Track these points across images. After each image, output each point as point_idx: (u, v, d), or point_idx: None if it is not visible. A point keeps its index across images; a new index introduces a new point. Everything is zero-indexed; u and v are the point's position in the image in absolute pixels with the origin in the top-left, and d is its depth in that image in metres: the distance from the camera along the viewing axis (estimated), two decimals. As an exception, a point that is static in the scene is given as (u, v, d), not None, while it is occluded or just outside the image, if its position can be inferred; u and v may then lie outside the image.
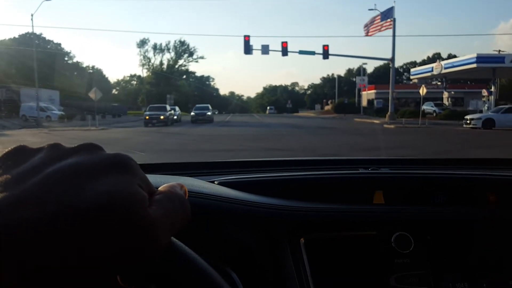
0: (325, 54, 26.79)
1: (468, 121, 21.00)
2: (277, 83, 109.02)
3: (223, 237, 0.69)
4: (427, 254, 0.79)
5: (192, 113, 31.09)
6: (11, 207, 0.22)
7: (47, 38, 60.95)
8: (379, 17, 28.46)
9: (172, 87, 66.41)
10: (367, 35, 29.84)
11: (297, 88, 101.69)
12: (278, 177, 0.97)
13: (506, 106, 22.71)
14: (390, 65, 28.73)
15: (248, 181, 0.92)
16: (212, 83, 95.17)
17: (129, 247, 0.24)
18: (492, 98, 29.60)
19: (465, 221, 0.83)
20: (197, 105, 33.22)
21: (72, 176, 0.25)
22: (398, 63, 77.89)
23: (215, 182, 0.88)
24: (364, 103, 47.48)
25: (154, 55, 71.89)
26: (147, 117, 25.34)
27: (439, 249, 0.80)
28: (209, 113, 30.53)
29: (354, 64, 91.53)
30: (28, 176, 0.25)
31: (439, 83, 43.13)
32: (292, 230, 0.76)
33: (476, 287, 0.77)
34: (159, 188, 0.30)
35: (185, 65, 74.31)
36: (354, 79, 63.05)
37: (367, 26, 29.74)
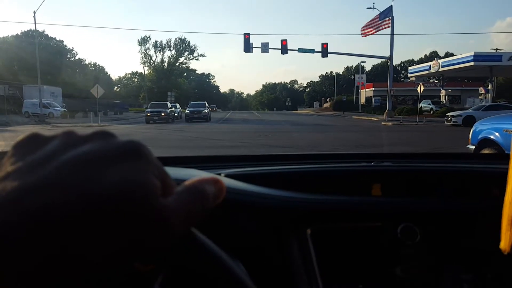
0: (324, 52, 27.10)
1: (449, 118, 21.20)
2: (277, 81, 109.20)
3: (230, 228, 0.69)
4: (432, 245, 0.79)
5: (187, 111, 28.67)
6: (28, 195, 0.22)
7: (49, 35, 61.07)
8: (378, 17, 28.65)
9: (173, 84, 66.53)
10: (366, 35, 29.97)
11: (296, 86, 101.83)
12: (284, 170, 0.98)
13: (487, 104, 22.89)
14: (388, 63, 29.00)
15: (254, 173, 0.92)
16: (212, 81, 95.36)
17: (142, 237, 0.24)
18: (489, 96, 29.85)
19: (471, 213, 0.83)
20: (192, 102, 31.39)
21: (86, 164, 0.25)
22: (396, 61, 78.18)
23: (222, 175, 0.87)
24: (362, 100, 47.74)
25: (155, 53, 71.97)
26: (148, 114, 25.59)
27: (445, 240, 0.80)
28: (205, 111, 28.41)
29: (353, 62, 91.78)
30: (43, 163, 0.25)
31: (436, 81, 43.41)
32: (299, 221, 0.76)
33: (481, 278, 0.77)
34: (185, 182, 0.30)
35: (185, 63, 74.44)
36: (352, 77, 63.26)
37: (366, 27, 29.90)
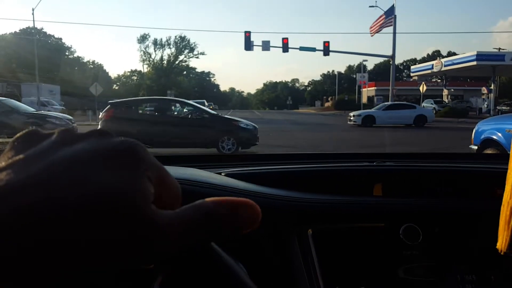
0: (326, 50, 26.78)
1: (351, 118, 20.54)
2: (278, 80, 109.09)
3: None
4: (435, 246, 0.78)
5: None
6: (15, 192, 0.22)
7: (48, 33, 60.95)
8: (383, 16, 28.37)
9: (172, 82, 66.35)
10: (373, 34, 29.64)
11: (297, 85, 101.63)
12: (284, 169, 0.96)
13: (388, 103, 22.19)
14: (391, 62, 28.69)
15: (254, 173, 0.91)
16: (212, 79, 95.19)
17: (129, 240, 0.23)
18: (491, 95, 29.65)
19: (473, 213, 0.82)
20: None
21: (76, 164, 0.24)
22: (398, 60, 77.88)
23: (222, 174, 0.87)
24: (364, 100, 47.41)
25: (155, 51, 71.62)
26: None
27: (447, 241, 0.79)
28: None
29: (355, 61, 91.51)
30: (35, 161, 0.25)
31: (439, 81, 43.21)
32: (300, 221, 0.75)
33: (484, 279, 0.76)
34: (208, 199, 0.28)
35: (185, 61, 74.09)
36: (354, 76, 62.99)
37: (373, 26, 29.60)
